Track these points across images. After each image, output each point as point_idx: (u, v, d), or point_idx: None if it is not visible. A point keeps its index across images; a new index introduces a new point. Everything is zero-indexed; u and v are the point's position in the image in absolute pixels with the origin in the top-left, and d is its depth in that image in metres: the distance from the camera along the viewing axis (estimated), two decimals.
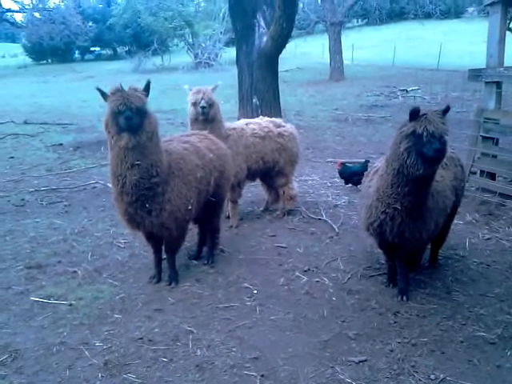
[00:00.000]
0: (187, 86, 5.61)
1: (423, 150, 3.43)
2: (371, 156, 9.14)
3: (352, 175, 7.16)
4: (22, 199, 6.97)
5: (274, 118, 6.31)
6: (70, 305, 4.07)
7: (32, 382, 3.17)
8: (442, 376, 3.19)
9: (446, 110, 3.57)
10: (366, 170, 7.15)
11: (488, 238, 5.40)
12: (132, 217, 4.07)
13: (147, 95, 3.90)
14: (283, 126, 6.11)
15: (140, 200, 3.97)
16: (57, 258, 5.00)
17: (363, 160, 7.53)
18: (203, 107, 5.25)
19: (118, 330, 3.72)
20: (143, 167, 3.86)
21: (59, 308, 4.04)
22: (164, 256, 4.56)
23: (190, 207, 4.28)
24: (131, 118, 3.70)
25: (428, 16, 28.31)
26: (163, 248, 4.52)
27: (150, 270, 4.65)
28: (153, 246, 4.53)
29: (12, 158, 9.43)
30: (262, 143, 5.85)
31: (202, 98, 5.25)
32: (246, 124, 5.97)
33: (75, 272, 4.67)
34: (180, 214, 4.20)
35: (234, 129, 5.77)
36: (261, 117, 6.44)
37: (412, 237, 3.85)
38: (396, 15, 45.30)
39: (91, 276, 4.61)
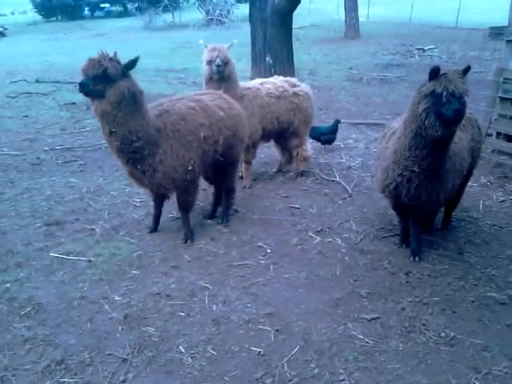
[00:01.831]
0: (202, 41, 5.51)
1: (442, 110, 3.38)
2: (386, 117, 9.04)
3: (319, 135, 7.12)
4: (38, 158, 7.04)
5: (288, 78, 6.22)
6: (89, 261, 4.19)
7: (55, 333, 3.31)
8: (452, 334, 3.27)
9: (467, 69, 3.50)
10: (336, 129, 7.14)
11: (502, 201, 5.39)
12: (131, 174, 4.27)
13: (124, 66, 3.80)
14: (298, 86, 6.03)
15: (130, 162, 4.11)
16: (74, 215, 5.11)
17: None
18: (218, 65, 5.18)
19: (136, 286, 3.84)
20: (120, 134, 3.91)
21: (78, 264, 4.16)
22: (177, 215, 4.64)
23: (190, 168, 4.30)
24: (83, 85, 3.74)
25: None
26: (177, 207, 4.64)
27: (167, 227, 4.76)
28: (155, 200, 4.73)
29: (26, 116, 9.43)
30: (277, 103, 5.79)
31: (218, 56, 5.17)
32: (261, 83, 5.89)
33: (93, 229, 4.77)
34: (178, 175, 4.25)
35: (249, 88, 5.71)
36: (275, 76, 6.35)
37: (429, 199, 3.86)
38: None
39: (108, 233, 4.71)
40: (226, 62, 5.23)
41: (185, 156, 4.25)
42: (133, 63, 3.84)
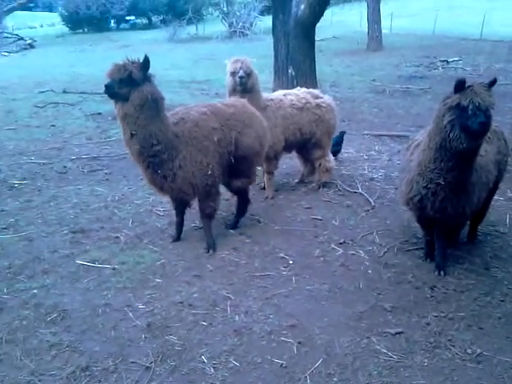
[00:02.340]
0: (227, 61, 5.57)
1: (467, 123, 3.36)
2: (409, 129, 8.99)
3: None
4: (65, 166, 7.18)
5: (311, 89, 6.24)
6: (114, 269, 4.25)
7: (80, 340, 3.35)
8: (478, 351, 3.21)
9: (493, 82, 3.47)
10: (341, 141, 7.11)
11: None
12: (152, 181, 4.34)
13: (142, 68, 3.92)
14: (321, 98, 6.05)
15: (150, 166, 4.19)
16: (99, 223, 5.18)
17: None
18: (241, 77, 5.23)
19: (159, 294, 3.87)
20: (140, 137, 4.02)
21: (103, 271, 4.22)
22: (200, 224, 4.68)
23: (209, 172, 4.38)
24: (109, 87, 3.89)
25: None
26: (199, 215, 4.70)
27: (190, 236, 4.81)
28: (176, 208, 4.77)
29: (53, 126, 9.66)
30: (300, 114, 5.81)
31: (241, 68, 5.23)
32: (284, 95, 5.92)
33: (117, 237, 4.84)
34: (197, 180, 4.34)
35: (272, 100, 5.75)
36: (298, 88, 6.37)
37: (454, 212, 3.81)
38: None
39: (132, 242, 4.77)
40: (248, 74, 5.28)
41: (203, 161, 4.34)
42: (147, 62, 3.95)
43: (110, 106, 11.51)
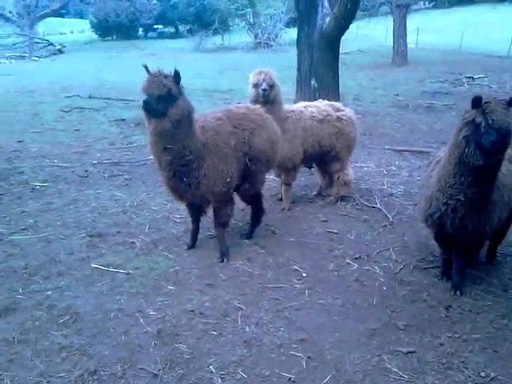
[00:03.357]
0: (251, 74, 5.58)
1: (481, 140, 3.33)
2: (432, 145, 8.88)
3: None
4: (86, 170, 7.30)
5: (332, 102, 6.23)
6: (128, 274, 4.28)
7: (90, 343, 3.38)
8: (492, 374, 3.12)
9: (511, 101, 3.40)
10: None
11: None
12: (174, 189, 4.36)
13: (177, 82, 3.94)
14: (342, 110, 6.03)
15: (177, 175, 4.21)
16: (116, 228, 5.24)
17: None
18: (264, 89, 5.25)
19: (171, 301, 3.88)
20: (175, 150, 4.05)
21: (117, 276, 4.25)
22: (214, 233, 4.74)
23: (228, 180, 4.41)
24: (148, 103, 3.84)
25: (501, 0, 26.50)
26: (213, 224, 4.73)
27: (204, 245, 4.83)
28: (192, 215, 4.79)
29: (77, 130, 9.84)
30: (320, 127, 5.80)
31: (264, 80, 5.26)
32: (305, 107, 5.93)
33: (133, 243, 4.88)
34: (218, 188, 4.38)
35: (293, 111, 5.76)
36: (320, 100, 6.38)
37: (474, 230, 3.74)
38: None
39: (148, 247, 4.80)
40: (271, 85, 5.30)
41: (224, 169, 4.39)
42: (179, 76, 3.96)
43: (133, 113, 11.79)
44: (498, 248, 4.68)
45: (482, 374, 3.12)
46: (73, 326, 3.55)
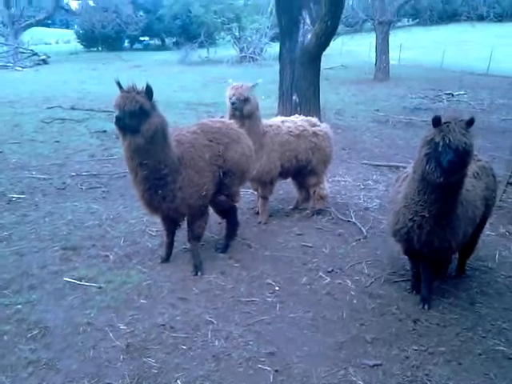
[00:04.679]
0: (231, 80, 5.71)
1: (440, 158, 3.43)
2: (408, 160, 8.96)
3: None
4: (64, 183, 7.27)
5: (309, 117, 6.33)
6: (100, 287, 4.27)
7: (58, 357, 3.36)
8: None
9: (470, 121, 3.49)
10: None
11: None
12: (149, 202, 4.36)
13: (149, 98, 3.97)
14: (318, 126, 6.13)
15: (153, 188, 4.23)
16: (91, 241, 5.22)
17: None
18: (233, 103, 5.37)
19: (142, 315, 3.88)
20: (150, 165, 4.08)
21: (89, 290, 4.24)
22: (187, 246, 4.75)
23: (203, 193, 4.46)
24: (120, 119, 3.85)
25: (481, 18, 27.18)
26: (187, 237, 4.75)
27: (178, 259, 4.84)
28: (167, 228, 4.80)
29: (57, 142, 9.80)
30: (297, 141, 5.89)
31: (234, 94, 5.37)
32: (282, 122, 6.02)
33: (107, 256, 4.87)
34: (193, 201, 4.42)
35: (271, 126, 5.85)
36: (296, 115, 6.48)
37: (440, 246, 3.82)
38: (448, 17, 43.96)
39: (122, 261, 4.80)
40: (244, 100, 5.38)
41: (199, 182, 4.43)
42: (151, 91, 3.98)
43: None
44: (468, 262, 4.77)
45: None
46: (41, 340, 3.53)
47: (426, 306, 4.09)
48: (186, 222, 4.71)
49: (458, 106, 14.95)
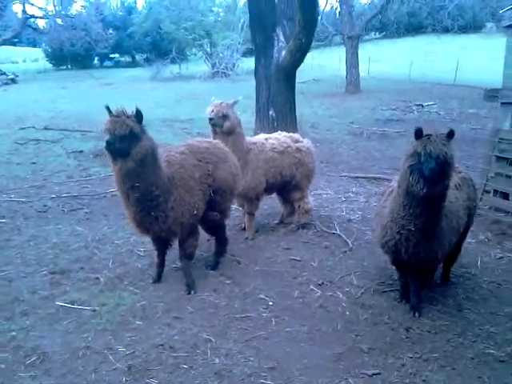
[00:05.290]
0: (214, 98, 5.78)
1: (422, 168, 3.58)
2: (385, 171, 9.27)
3: None
4: (45, 205, 7.18)
5: (291, 134, 6.47)
6: (94, 310, 4.24)
7: (60, 383, 3.33)
8: None
9: (450, 134, 3.67)
10: None
11: (500, 257, 5.48)
12: (141, 223, 4.38)
13: (139, 121, 4.04)
14: (301, 142, 6.28)
15: (145, 209, 4.25)
16: (79, 264, 5.18)
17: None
18: (211, 119, 5.49)
19: (139, 337, 3.88)
20: (142, 187, 4.11)
21: (83, 313, 4.21)
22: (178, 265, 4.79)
23: (195, 212, 4.52)
24: (110, 143, 3.89)
25: (446, 31, 28.19)
26: (178, 256, 4.80)
27: (170, 278, 4.85)
28: (158, 248, 4.83)
29: (34, 163, 9.66)
30: (281, 158, 6.00)
31: (213, 111, 5.49)
32: (266, 139, 6.14)
33: (97, 278, 4.84)
34: (185, 220, 4.48)
35: (255, 143, 5.95)
36: (279, 132, 6.60)
37: (427, 257, 3.97)
38: (414, 29, 45.34)
39: (113, 283, 4.77)
40: (222, 116, 5.48)
41: (190, 201, 4.49)
42: (140, 115, 4.04)
43: (91, 144, 11.67)
44: (452, 269, 4.94)
45: None
46: (41, 366, 3.49)
47: (416, 314, 4.22)
48: (177, 242, 4.74)
49: (428, 117, 15.44)
